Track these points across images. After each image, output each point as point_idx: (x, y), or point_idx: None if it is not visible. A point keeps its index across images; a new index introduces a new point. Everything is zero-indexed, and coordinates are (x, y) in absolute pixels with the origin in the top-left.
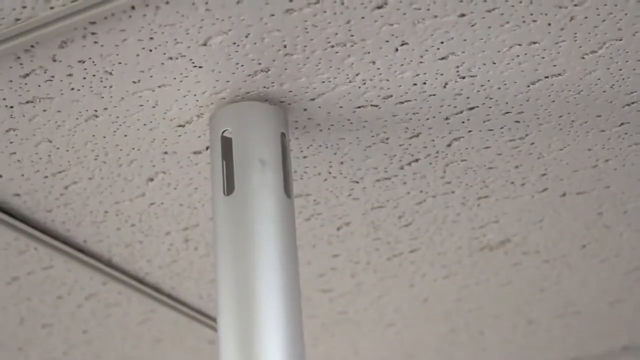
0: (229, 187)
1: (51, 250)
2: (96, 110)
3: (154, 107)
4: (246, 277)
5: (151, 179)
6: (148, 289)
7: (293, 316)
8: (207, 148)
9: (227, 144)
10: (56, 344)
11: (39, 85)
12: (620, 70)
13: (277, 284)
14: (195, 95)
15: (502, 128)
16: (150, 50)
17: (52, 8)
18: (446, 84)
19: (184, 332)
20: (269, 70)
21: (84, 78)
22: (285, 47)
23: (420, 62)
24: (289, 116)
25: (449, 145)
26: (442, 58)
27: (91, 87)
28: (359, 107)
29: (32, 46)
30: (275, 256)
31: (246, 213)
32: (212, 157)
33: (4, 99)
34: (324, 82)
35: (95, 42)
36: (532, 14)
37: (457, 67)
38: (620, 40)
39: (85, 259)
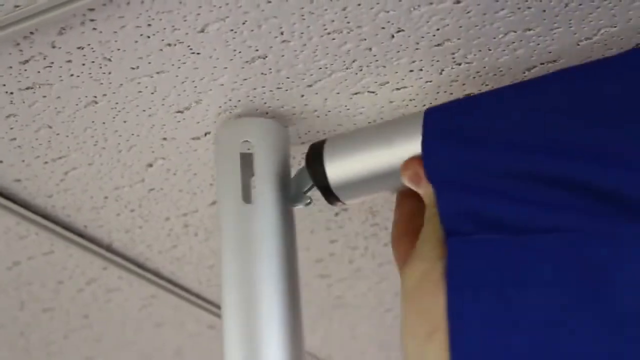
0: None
1: (52, 236)
2: (95, 97)
3: (152, 93)
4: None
5: (150, 165)
6: (148, 274)
7: (293, 306)
8: (205, 134)
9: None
10: (57, 328)
11: (39, 72)
12: None
13: (277, 275)
14: (193, 81)
15: None
16: (149, 37)
17: None
18: (442, 70)
19: (184, 316)
20: (266, 56)
21: (83, 64)
22: (282, 34)
23: (416, 49)
24: (285, 103)
25: None
26: (438, 45)
27: (90, 73)
28: (356, 94)
29: (31, 33)
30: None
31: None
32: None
33: (4, 85)
34: (320, 68)
35: (94, 29)
36: (526, 1)
37: (453, 53)
38: (615, 27)
39: (86, 244)
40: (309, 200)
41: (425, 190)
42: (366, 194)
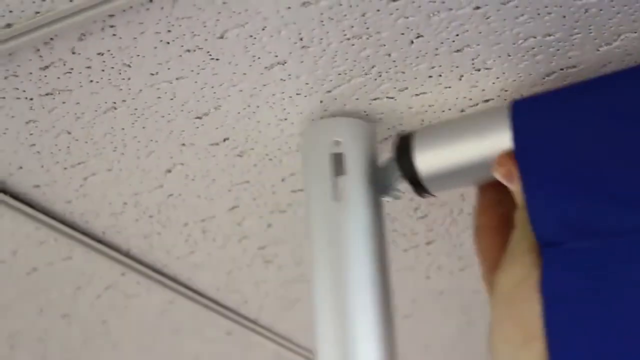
0: None
1: (71, 241)
2: (115, 102)
3: (171, 99)
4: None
5: (169, 171)
6: (166, 280)
7: (386, 303)
8: (224, 140)
9: None
10: (75, 334)
11: (58, 78)
12: (636, 62)
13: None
14: (212, 87)
15: None
16: (168, 43)
17: (71, 1)
18: (462, 76)
19: (202, 323)
20: (285, 62)
21: (103, 70)
22: (301, 39)
23: (436, 55)
24: (304, 109)
25: None
26: (457, 50)
27: (110, 79)
28: (375, 99)
29: (51, 39)
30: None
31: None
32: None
33: (24, 91)
34: (339, 74)
35: (114, 35)
36: (546, 7)
37: (473, 59)
38: (635, 32)
39: (104, 250)
40: (398, 192)
41: (518, 188)
42: (455, 185)
